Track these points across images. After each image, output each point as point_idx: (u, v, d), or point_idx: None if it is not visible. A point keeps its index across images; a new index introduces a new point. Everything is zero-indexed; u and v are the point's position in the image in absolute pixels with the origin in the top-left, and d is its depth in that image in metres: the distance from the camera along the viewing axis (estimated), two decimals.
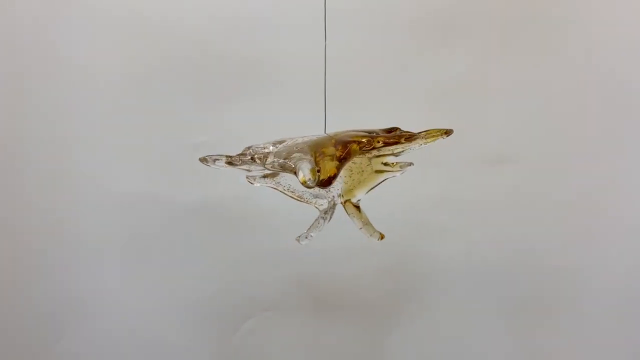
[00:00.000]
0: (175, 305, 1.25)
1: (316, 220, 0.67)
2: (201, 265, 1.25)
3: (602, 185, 1.21)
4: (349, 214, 0.67)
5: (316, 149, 0.56)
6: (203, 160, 0.63)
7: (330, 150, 0.56)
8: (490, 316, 1.26)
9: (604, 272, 1.23)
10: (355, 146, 0.57)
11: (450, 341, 1.27)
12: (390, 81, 1.20)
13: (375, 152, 0.61)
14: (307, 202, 0.67)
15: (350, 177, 0.66)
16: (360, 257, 1.24)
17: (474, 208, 1.23)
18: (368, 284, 1.26)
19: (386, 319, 1.27)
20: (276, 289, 1.26)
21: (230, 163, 0.62)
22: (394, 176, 0.67)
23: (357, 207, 0.67)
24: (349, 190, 0.66)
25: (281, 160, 0.57)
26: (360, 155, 0.60)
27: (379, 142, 0.59)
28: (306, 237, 0.67)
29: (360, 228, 0.67)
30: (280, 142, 0.61)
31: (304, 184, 0.52)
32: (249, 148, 0.62)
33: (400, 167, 0.66)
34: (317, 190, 0.64)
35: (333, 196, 0.66)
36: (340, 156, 0.56)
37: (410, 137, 0.60)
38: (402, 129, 0.62)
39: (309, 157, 0.55)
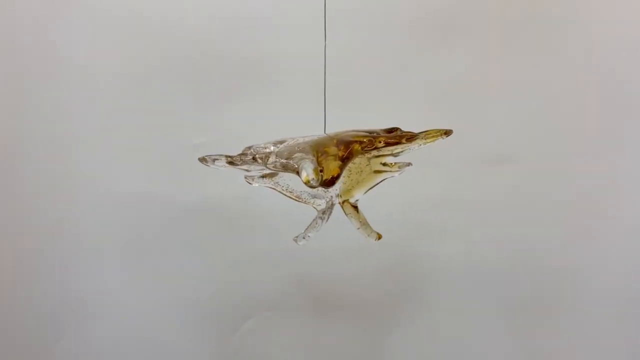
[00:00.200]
0: (175, 305, 1.25)
1: (314, 220, 0.67)
2: (201, 265, 1.25)
3: (602, 185, 1.21)
4: (346, 214, 0.67)
5: (318, 149, 0.56)
6: (202, 160, 0.63)
7: (333, 150, 0.56)
8: (490, 316, 1.26)
9: (604, 272, 1.23)
10: (357, 146, 0.58)
11: (450, 341, 1.27)
12: (390, 81, 1.20)
13: (374, 152, 0.61)
14: (305, 202, 0.67)
15: (349, 177, 0.66)
16: (360, 257, 1.24)
17: (474, 208, 1.23)
18: (368, 284, 1.26)
19: (386, 319, 1.27)
20: (276, 289, 1.26)
21: (231, 163, 0.62)
22: (392, 176, 0.67)
23: (355, 208, 0.67)
24: (347, 191, 0.66)
25: (283, 160, 0.57)
26: (360, 156, 0.60)
27: (380, 142, 0.59)
28: (304, 238, 0.67)
29: (358, 228, 0.67)
30: (281, 142, 0.61)
31: (307, 183, 0.52)
32: (249, 148, 0.62)
33: (399, 167, 0.66)
34: (315, 190, 0.64)
35: (331, 196, 0.66)
36: (343, 156, 0.56)
37: (411, 138, 0.60)
38: (402, 129, 0.62)
39: (311, 156, 0.55)
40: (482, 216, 1.23)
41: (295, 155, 0.56)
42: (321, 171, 0.53)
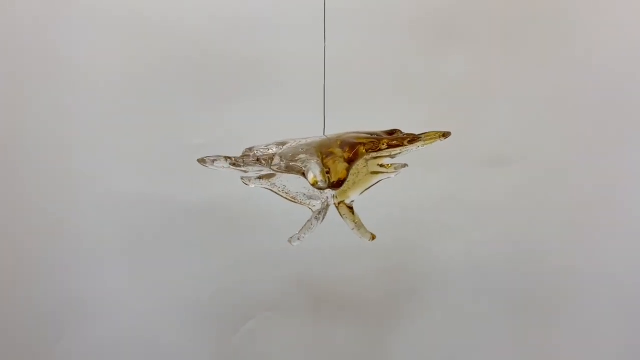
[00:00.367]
0: (175, 306, 1.25)
1: (309, 221, 0.67)
2: (201, 266, 1.25)
3: (602, 185, 1.21)
4: (342, 215, 0.67)
5: (322, 150, 0.56)
6: (201, 161, 0.63)
7: (338, 151, 0.56)
8: (490, 316, 1.26)
9: (604, 272, 1.23)
10: (362, 148, 0.57)
11: (450, 341, 1.27)
12: (390, 81, 1.20)
13: (373, 154, 0.61)
14: (301, 203, 0.67)
15: None
16: (360, 257, 1.24)
17: (474, 208, 1.23)
18: (368, 284, 1.26)
19: (386, 319, 1.27)
20: (276, 289, 1.26)
21: (234, 164, 0.62)
22: (388, 177, 0.67)
23: (351, 209, 0.67)
24: (344, 192, 0.66)
25: (288, 162, 0.57)
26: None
27: (384, 144, 0.59)
28: (298, 239, 0.67)
29: (352, 229, 0.67)
30: (283, 144, 0.61)
31: (314, 185, 0.52)
32: (250, 149, 0.62)
33: (395, 168, 0.66)
34: (311, 191, 0.64)
35: (327, 197, 0.66)
36: (349, 158, 0.56)
37: (412, 140, 0.60)
38: (402, 130, 0.62)
39: (315, 158, 0.54)
40: (482, 216, 1.23)
41: (300, 156, 0.56)
42: (327, 173, 0.53)
